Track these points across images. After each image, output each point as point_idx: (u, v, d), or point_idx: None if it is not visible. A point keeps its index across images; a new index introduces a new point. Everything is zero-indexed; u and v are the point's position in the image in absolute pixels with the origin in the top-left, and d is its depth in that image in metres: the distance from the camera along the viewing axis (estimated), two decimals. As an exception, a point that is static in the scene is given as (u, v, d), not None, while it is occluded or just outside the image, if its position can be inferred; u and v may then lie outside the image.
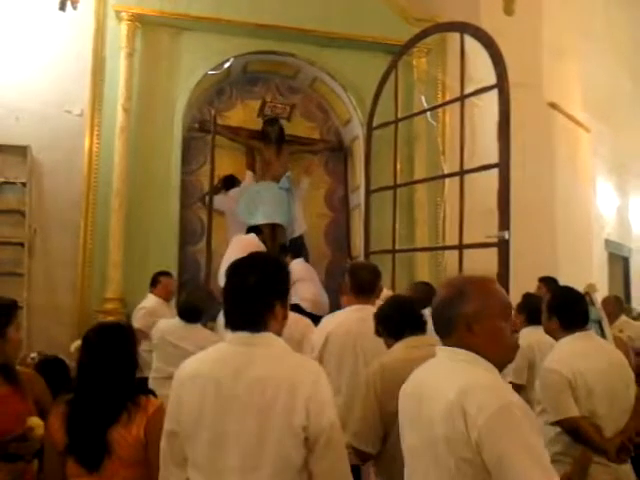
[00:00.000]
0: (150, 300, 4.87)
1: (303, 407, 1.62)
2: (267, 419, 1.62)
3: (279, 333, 1.77)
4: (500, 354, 1.59)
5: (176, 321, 4.16)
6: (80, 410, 2.03)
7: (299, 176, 6.68)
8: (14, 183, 5.33)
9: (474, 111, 5.76)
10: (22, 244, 5.26)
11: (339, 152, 6.90)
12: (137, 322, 4.51)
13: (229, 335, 1.76)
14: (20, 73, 5.42)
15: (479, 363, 1.56)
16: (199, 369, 1.73)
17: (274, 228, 6.33)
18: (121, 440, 1.98)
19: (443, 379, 1.58)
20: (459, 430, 1.45)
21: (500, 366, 1.60)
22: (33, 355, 4.00)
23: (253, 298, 1.73)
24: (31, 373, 2.60)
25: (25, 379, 2.34)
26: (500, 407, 1.43)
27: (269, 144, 6.46)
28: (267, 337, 1.73)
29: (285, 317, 1.79)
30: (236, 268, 1.81)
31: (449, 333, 1.62)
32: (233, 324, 1.74)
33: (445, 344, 1.65)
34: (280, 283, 1.80)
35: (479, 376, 1.53)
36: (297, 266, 5.66)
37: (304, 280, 5.70)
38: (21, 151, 5.36)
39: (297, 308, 4.86)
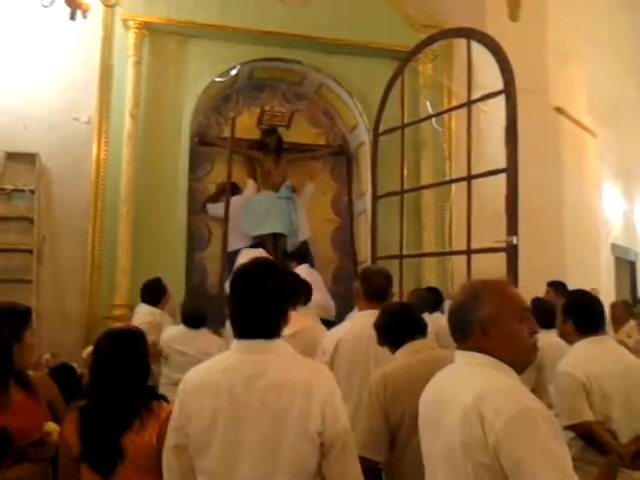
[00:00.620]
0: (147, 313, 4.58)
1: (319, 412, 1.62)
2: (282, 425, 1.62)
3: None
4: (518, 356, 1.58)
5: (180, 328, 4.20)
6: (93, 417, 2.03)
7: (303, 182, 6.70)
8: (23, 190, 5.35)
9: (480, 116, 5.76)
10: (31, 251, 5.27)
11: (341, 156, 6.90)
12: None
13: (236, 343, 1.74)
14: (28, 81, 5.46)
15: (496, 367, 1.55)
16: (208, 379, 1.71)
17: (276, 238, 6.36)
18: (134, 446, 1.98)
19: (460, 384, 1.57)
20: (476, 435, 1.43)
21: (519, 369, 1.58)
22: (47, 356, 3.99)
23: (269, 306, 1.71)
24: (44, 378, 2.61)
25: (38, 384, 2.34)
26: (518, 411, 1.41)
27: (268, 154, 6.51)
28: (279, 344, 1.73)
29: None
30: (245, 275, 1.78)
31: (465, 337, 1.62)
32: (244, 332, 1.72)
33: (462, 349, 1.64)
34: (290, 289, 1.81)
35: (496, 380, 1.51)
36: (302, 272, 5.67)
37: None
38: (30, 158, 5.39)
39: None
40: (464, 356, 1.62)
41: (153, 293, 4.70)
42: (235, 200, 6.37)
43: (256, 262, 1.85)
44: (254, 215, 6.31)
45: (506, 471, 1.40)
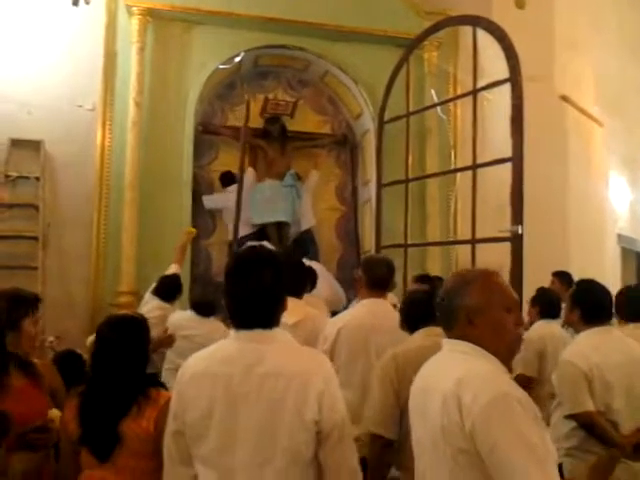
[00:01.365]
0: (155, 308, 4.52)
1: (315, 401, 1.63)
2: (278, 414, 1.63)
3: None
4: (502, 346, 1.59)
5: (189, 314, 4.21)
6: (92, 402, 2.05)
7: (308, 170, 6.69)
8: (28, 177, 5.36)
9: (484, 104, 5.72)
10: (36, 238, 5.29)
11: (344, 145, 6.87)
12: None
13: (234, 332, 1.74)
14: (32, 68, 5.45)
15: (479, 355, 1.57)
16: (206, 367, 1.72)
17: (280, 226, 6.36)
18: (131, 432, 2.00)
19: (443, 371, 1.60)
20: (454, 420, 1.46)
21: (503, 358, 1.60)
22: (51, 339, 3.99)
23: (265, 295, 1.71)
24: (47, 365, 2.62)
25: (41, 371, 2.36)
26: (494, 397, 1.43)
27: (272, 142, 6.49)
28: (277, 333, 1.73)
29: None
30: (240, 265, 1.78)
31: (452, 325, 1.64)
32: (242, 321, 1.72)
33: (448, 336, 1.66)
34: (288, 277, 1.80)
35: (477, 366, 1.54)
36: (316, 265, 5.75)
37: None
38: (34, 145, 5.40)
39: None
40: (449, 344, 1.65)
41: (170, 291, 4.67)
42: (232, 189, 6.36)
43: (251, 251, 1.85)
44: (258, 204, 6.31)
45: (482, 456, 1.42)
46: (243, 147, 6.02)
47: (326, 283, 5.89)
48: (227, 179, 6.40)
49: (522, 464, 1.37)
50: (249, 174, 6.49)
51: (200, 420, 1.67)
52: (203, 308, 4.15)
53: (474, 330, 1.58)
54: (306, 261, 5.89)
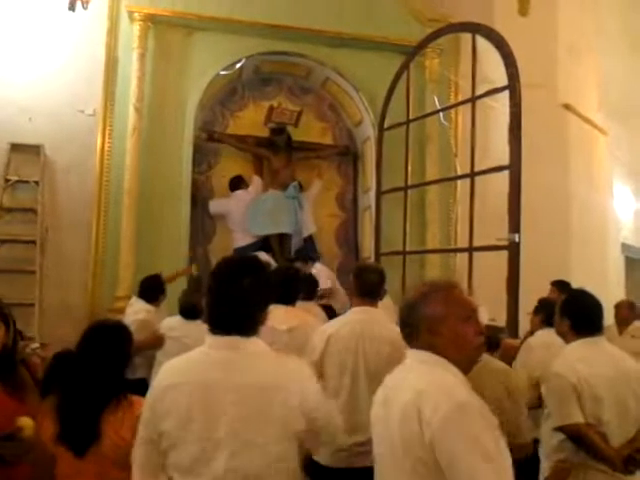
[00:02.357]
0: (143, 311, 4.50)
1: (298, 412, 1.64)
2: (259, 424, 1.62)
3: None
4: (463, 355, 1.61)
5: (177, 318, 4.35)
6: (71, 398, 2.07)
7: (310, 179, 6.70)
8: (27, 182, 5.39)
9: (489, 112, 5.70)
10: (34, 242, 5.30)
11: (347, 156, 6.89)
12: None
13: (211, 338, 1.73)
14: (33, 73, 5.49)
15: (439, 364, 1.58)
16: (182, 375, 1.71)
17: (282, 237, 6.36)
18: (111, 431, 2.00)
19: (403, 382, 1.60)
20: (414, 430, 1.46)
21: (464, 367, 1.61)
22: (34, 346, 3.94)
23: (244, 302, 1.71)
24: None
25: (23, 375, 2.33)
26: (453, 407, 1.44)
27: (276, 152, 6.50)
28: (254, 342, 1.73)
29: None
30: (222, 271, 1.78)
31: (414, 337, 1.65)
32: (220, 327, 1.71)
33: (412, 347, 1.67)
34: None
35: (437, 378, 1.55)
36: (325, 272, 5.78)
37: (338, 288, 5.92)
38: (34, 150, 5.42)
39: (330, 309, 4.94)
40: (411, 354, 1.66)
41: (151, 291, 4.65)
42: (240, 195, 6.37)
43: (235, 258, 1.85)
44: (261, 215, 6.32)
45: (442, 465, 1.43)
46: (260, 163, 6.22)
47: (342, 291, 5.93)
48: (235, 184, 6.41)
49: (481, 473, 1.38)
50: (255, 182, 6.49)
51: (177, 429, 1.66)
52: (189, 312, 4.26)
53: (435, 340, 1.60)
54: (318, 266, 5.93)
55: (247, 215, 6.30)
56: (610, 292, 6.51)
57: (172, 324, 4.34)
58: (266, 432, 1.62)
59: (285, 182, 6.46)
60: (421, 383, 1.52)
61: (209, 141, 6.37)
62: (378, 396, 1.71)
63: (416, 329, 1.63)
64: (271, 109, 6.49)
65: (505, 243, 4.27)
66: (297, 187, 6.46)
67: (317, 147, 6.78)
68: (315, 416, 1.69)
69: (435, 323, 1.60)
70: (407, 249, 5.39)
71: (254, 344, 1.72)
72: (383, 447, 1.62)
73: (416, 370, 1.60)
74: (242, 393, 1.63)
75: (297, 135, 6.65)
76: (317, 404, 1.71)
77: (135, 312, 4.45)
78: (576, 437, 2.44)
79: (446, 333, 1.59)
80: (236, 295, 1.71)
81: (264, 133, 6.61)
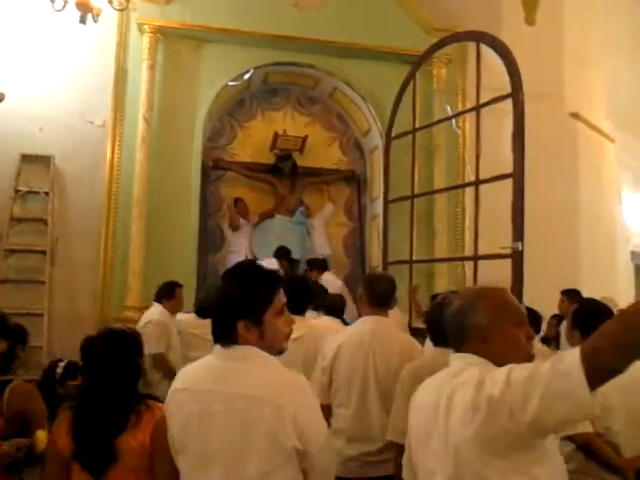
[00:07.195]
0: (157, 312, 4.63)
1: (292, 428, 1.60)
2: (251, 437, 1.60)
3: (262, 346, 1.67)
4: (515, 361, 1.53)
5: (192, 316, 4.34)
6: (86, 416, 2.02)
7: (317, 202, 6.78)
8: (37, 192, 5.44)
9: (499, 120, 5.69)
10: (44, 252, 5.34)
11: (352, 181, 6.93)
12: (152, 346, 4.22)
13: (215, 347, 1.73)
14: (44, 85, 5.54)
15: (487, 364, 1.55)
16: (190, 381, 1.72)
17: (290, 263, 6.35)
18: (127, 447, 1.97)
19: (453, 384, 1.54)
20: (492, 411, 1.39)
21: None
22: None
23: (219, 313, 1.71)
24: (19, 387, 2.51)
25: (10, 394, 2.31)
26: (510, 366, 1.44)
27: (282, 179, 6.56)
28: (243, 351, 1.66)
29: (256, 335, 1.67)
30: (224, 276, 1.79)
31: (462, 344, 1.62)
32: (215, 337, 1.72)
33: (457, 352, 1.64)
34: (246, 302, 1.68)
35: (491, 367, 1.52)
36: (337, 283, 5.76)
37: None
38: (44, 161, 5.47)
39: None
40: (457, 357, 1.63)
41: (161, 293, 4.74)
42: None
43: (237, 265, 1.85)
44: (269, 241, 6.36)
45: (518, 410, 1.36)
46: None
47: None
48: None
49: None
50: (251, 220, 6.53)
51: (178, 437, 1.68)
52: (202, 312, 4.27)
53: (486, 347, 1.57)
54: (327, 275, 5.91)
55: (255, 242, 6.37)
56: (620, 300, 6.45)
57: (188, 320, 4.47)
58: (259, 444, 1.59)
59: (292, 208, 6.54)
60: (478, 377, 1.47)
61: (215, 169, 6.42)
62: (416, 400, 1.68)
63: (465, 337, 1.60)
64: (276, 136, 6.54)
65: (508, 252, 4.25)
66: (304, 212, 6.53)
67: (322, 172, 6.83)
68: (309, 438, 1.62)
69: (487, 330, 1.57)
70: (414, 258, 5.38)
71: (242, 353, 1.67)
72: (435, 451, 1.54)
73: (466, 370, 1.55)
74: (235, 405, 1.61)
75: (303, 162, 6.70)
76: (311, 425, 1.66)
77: (150, 314, 4.61)
78: (585, 446, 2.42)
79: (498, 339, 1.57)
80: (214, 303, 1.73)
81: (271, 160, 6.64)
